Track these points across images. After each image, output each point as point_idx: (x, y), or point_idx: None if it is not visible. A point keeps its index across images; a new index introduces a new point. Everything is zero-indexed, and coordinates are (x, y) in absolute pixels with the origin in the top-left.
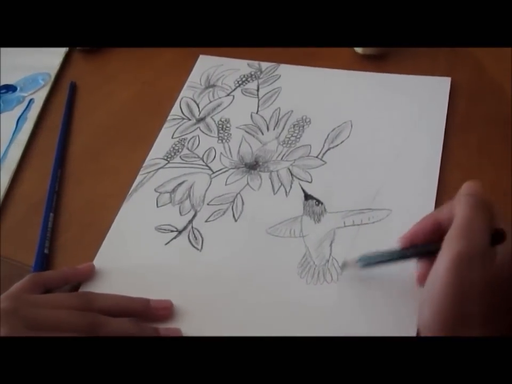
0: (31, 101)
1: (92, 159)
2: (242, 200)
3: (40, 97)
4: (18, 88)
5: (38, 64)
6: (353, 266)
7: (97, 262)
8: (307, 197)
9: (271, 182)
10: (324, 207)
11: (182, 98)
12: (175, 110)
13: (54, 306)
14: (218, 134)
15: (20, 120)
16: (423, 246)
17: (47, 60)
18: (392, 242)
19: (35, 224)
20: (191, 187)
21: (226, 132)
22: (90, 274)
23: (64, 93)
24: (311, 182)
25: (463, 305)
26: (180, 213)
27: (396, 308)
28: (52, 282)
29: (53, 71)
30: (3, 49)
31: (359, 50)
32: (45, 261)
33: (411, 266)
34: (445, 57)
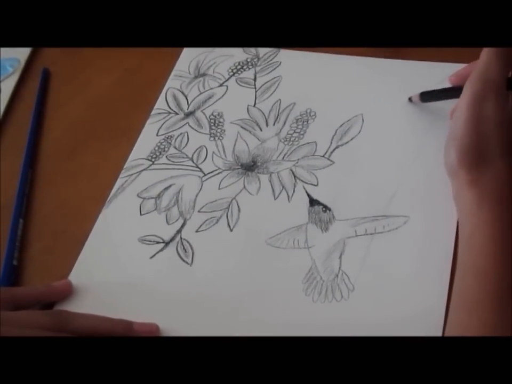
0: None
1: (66, 158)
2: (238, 207)
3: (8, 86)
4: None
5: (5, 48)
6: (417, 100)
7: (73, 277)
8: (312, 202)
9: (271, 185)
10: (332, 214)
11: (168, 90)
12: (160, 103)
13: (25, 326)
14: (210, 131)
15: None
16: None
17: None
18: (411, 253)
19: (2, 232)
20: (179, 192)
21: (219, 128)
22: (66, 294)
23: (35, 82)
24: (317, 185)
25: (482, 139)
26: (167, 221)
27: (411, 328)
28: (22, 300)
29: (23, 57)
30: None
31: None
32: (13, 274)
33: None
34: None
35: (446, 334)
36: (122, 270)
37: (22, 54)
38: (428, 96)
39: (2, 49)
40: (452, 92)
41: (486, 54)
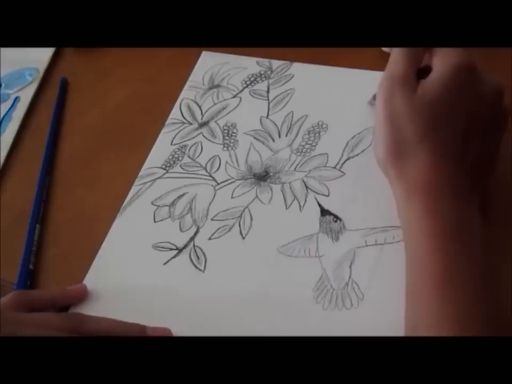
0: (16, 99)
1: (83, 165)
2: (250, 215)
3: (27, 95)
4: (2, 85)
5: (25, 58)
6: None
7: (88, 281)
8: (324, 212)
9: (283, 195)
10: (343, 224)
11: (182, 100)
12: (174, 113)
13: (41, 327)
14: (223, 141)
15: (4, 120)
16: None
17: (35, 53)
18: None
19: (19, 237)
20: (192, 200)
21: (232, 138)
22: (81, 298)
23: (53, 91)
24: (328, 196)
25: (398, 133)
26: (180, 229)
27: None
28: (38, 303)
29: (42, 66)
30: None
31: (386, 48)
32: (29, 278)
33: None
34: (484, 55)
35: (405, 331)
36: (135, 276)
37: (40, 63)
38: None
39: (22, 59)
40: None
41: (392, 53)
